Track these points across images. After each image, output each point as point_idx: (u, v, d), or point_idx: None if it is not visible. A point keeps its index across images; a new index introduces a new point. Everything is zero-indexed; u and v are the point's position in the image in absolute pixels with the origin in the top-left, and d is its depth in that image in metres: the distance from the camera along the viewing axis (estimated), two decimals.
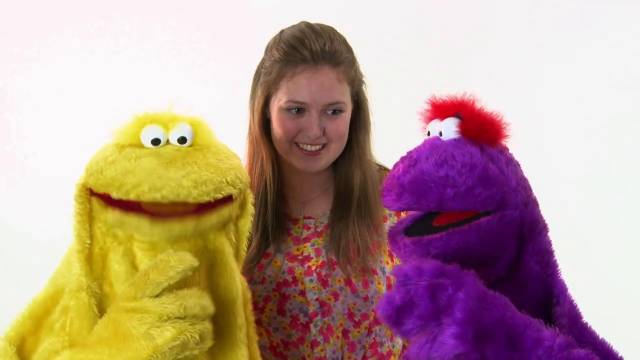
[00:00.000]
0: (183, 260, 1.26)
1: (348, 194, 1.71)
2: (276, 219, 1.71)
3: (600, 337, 1.24)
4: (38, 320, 1.35)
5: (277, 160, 1.72)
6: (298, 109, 1.64)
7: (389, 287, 1.69)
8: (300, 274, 1.68)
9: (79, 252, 1.32)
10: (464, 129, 1.26)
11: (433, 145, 1.26)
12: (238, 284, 1.39)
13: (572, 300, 1.27)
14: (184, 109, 1.35)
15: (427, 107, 1.30)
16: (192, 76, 2.95)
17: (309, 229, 1.73)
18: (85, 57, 2.96)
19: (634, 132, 2.86)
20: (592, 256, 2.86)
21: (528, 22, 2.90)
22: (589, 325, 1.25)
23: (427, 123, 1.31)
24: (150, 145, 1.31)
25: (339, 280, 1.67)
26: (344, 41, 1.70)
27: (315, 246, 1.71)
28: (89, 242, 1.33)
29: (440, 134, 1.27)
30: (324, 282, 1.67)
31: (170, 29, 2.96)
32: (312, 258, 1.69)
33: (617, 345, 1.24)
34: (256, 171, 1.72)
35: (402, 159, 1.28)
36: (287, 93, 1.64)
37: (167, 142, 1.33)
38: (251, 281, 1.67)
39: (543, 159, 2.82)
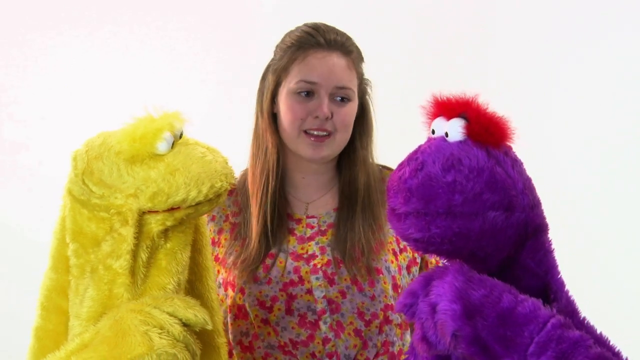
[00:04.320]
0: (205, 319, 1.34)
1: (353, 196, 1.73)
2: (278, 218, 1.72)
3: (599, 331, 1.24)
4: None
5: (281, 157, 1.73)
6: (308, 92, 1.67)
7: (394, 286, 1.71)
8: (306, 272, 1.68)
9: (123, 276, 1.34)
10: (470, 131, 1.24)
11: (439, 148, 1.24)
12: (210, 252, 1.54)
13: (570, 297, 1.27)
14: (153, 107, 1.39)
15: (431, 104, 1.29)
16: (189, 76, 2.95)
17: (312, 228, 1.74)
18: (82, 55, 2.95)
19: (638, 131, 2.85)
20: (600, 255, 2.85)
21: (534, 21, 2.89)
22: (587, 321, 1.25)
23: (431, 120, 1.30)
24: (169, 149, 1.36)
25: (345, 279, 1.68)
26: (354, 43, 1.75)
27: (320, 244, 1.72)
28: (132, 263, 1.35)
29: (447, 134, 1.26)
30: (330, 281, 1.68)
31: (167, 29, 2.96)
32: (317, 256, 1.70)
33: (621, 344, 1.24)
34: (258, 168, 1.73)
35: (409, 161, 1.27)
36: (299, 74, 1.68)
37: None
38: (257, 281, 1.68)
39: (550, 157, 2.81)
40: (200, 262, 1.50)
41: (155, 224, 1.35)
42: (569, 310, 1.24)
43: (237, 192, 1.77)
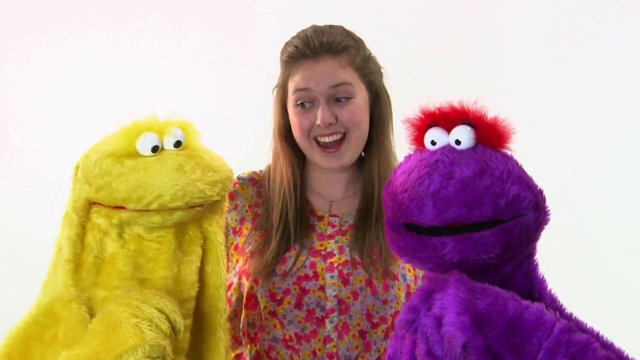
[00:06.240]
0: (187, 324, 1.37)
1: (372, 193, 1.72)
2: (300, 214, 1.72)
3: (588, 325, 1.24)
4: (28, 335, 1.39)
5: (303, 162, 1.74)
6: (307, 102, 1.67)
7: (408, 294, 1.70)
8: (322, 269, 1.69)
9: (68, 262, 1.36)
10: (480, 136, 1.24)
11: (458, 155, 1.23)
12: (224, 272, 1.49)
13: (553, 294, 1.28)
14: (169, 112, 1.39)
15: (422, 115, 1.28)
16: (189, 76, 2.96)
17: (333, 226, 1.74)
18: (83, 55, 2.96)
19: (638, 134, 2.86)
20: (600, 255, 2.85)
21: (535, 22, 2.90)
22: (574, 316, 1.25)
23: (420, 132, 1.28)
24: (150, 153, 1.35)
25: (360, 280, 1.68)
26: (348, 34, 1.72)
27: (339, 244, 1.72)
28: (80, 252, 1.37)
29: (457, 142, 1.24)
30: (345, 281, 1.68)
31: (167, 29, 2.96)
32: (335, 255, 1.71)
33: (621, 344, 1.24)
34: (277, 182, 1.74)
35: (430, 172, 1.22)
36: (293, 86, 1.69)
37: (162, 147, 1.38)
38: (272, 273, 1.69)
39: (550, 157, 2.81)
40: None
41: (103, 217, 1.37)
42: (555, 307, 1.25)
43: (261, 184, 1.78)
